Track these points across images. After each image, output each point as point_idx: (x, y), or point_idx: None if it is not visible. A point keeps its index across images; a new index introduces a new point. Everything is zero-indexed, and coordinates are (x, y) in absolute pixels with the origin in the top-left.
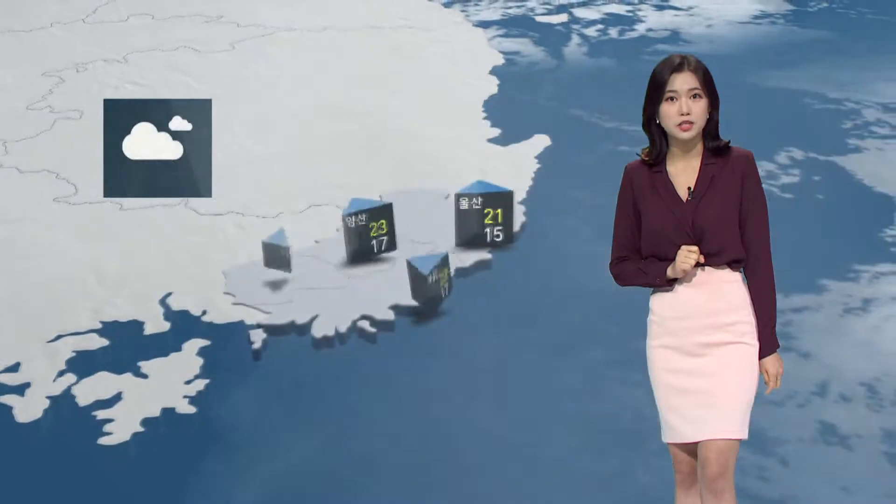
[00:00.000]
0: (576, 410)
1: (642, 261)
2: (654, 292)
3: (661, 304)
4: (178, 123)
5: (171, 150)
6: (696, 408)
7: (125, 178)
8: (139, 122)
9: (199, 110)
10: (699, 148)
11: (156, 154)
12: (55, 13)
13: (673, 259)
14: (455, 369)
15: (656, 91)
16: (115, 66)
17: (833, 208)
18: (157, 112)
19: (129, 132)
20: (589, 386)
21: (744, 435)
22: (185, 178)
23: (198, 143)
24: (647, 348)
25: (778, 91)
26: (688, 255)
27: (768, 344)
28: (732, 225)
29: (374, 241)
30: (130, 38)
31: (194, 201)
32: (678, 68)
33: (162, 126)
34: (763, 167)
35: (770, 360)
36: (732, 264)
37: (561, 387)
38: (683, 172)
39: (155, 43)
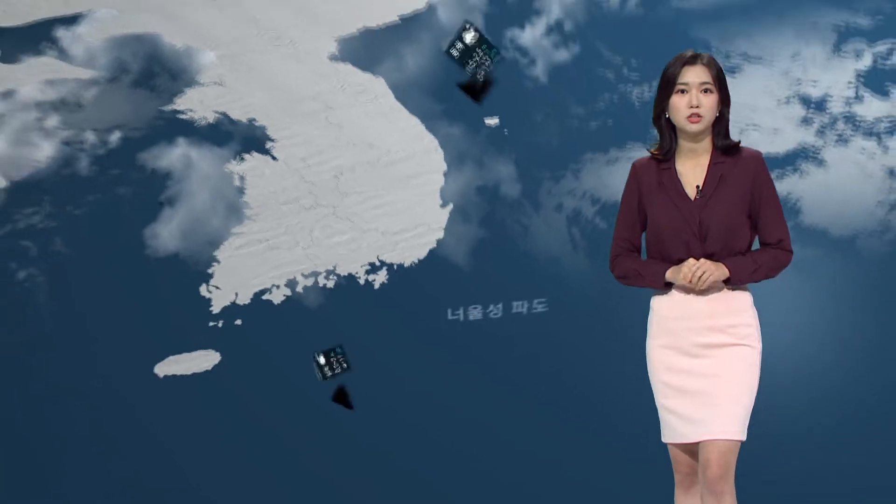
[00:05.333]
0: None
1: (641, 260)
2: (655, 292)
3: (661, 304)
4: None
5: None
6: (696, 408)
7: None
8: None
9: None
10: (708, 146)
11: None
12: None
13: (678, 257)
14: None
15: (667, 85)
16: None
17: None
18: None
19: None
20: None
21: (743, 437)
22: None
23: None
24: (646, 348)
25: None
26: (695, 272)
27: (733, 267)
28: (739, 226)
29: None
30: None
31: None
32: (690, 61)
33: None
34: None
35: (711, 264)
36: None
37: None
38: (692, 171)
39: None
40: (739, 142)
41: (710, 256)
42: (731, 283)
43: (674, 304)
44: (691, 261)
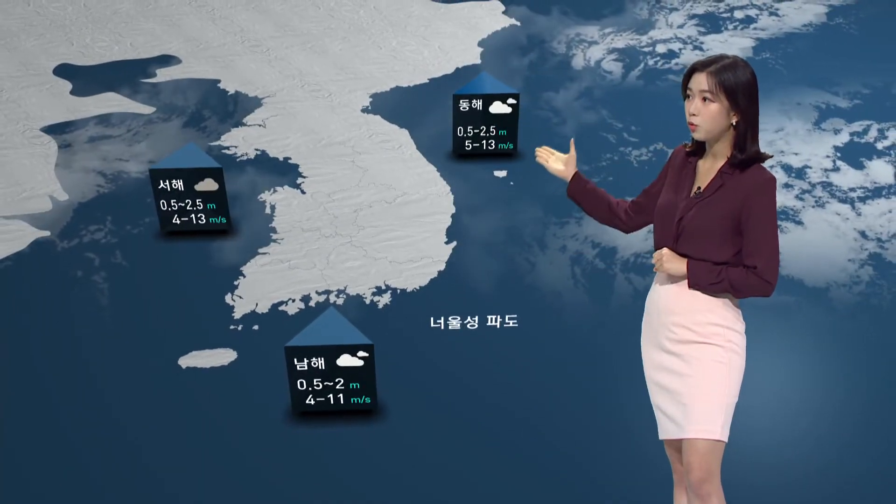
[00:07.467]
0: None
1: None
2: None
3: (647, 300)
4: None
5: None
6: (675, 406)
7: None
8: None
9: None
10: (726, 153)
11: None
12: None
13: (660, 241)
14: None
15: (682, 88)
16: None
17: None
18: None
19: None
20: None
21: (721, 436)
22: None
23: None
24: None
25: None
26: (656, 256)
27: (692, 269)
28: (716, 237)
29: None
30: None
31: None
32: (698, 68)
33: None
34: None
35: (674, 256)
36: None
37: None
38: (707, 172)
39: None
40: (760, 159)
41: (682, 257)
42: (689, 283)
43: (651, 298)
44: (664, 249)
